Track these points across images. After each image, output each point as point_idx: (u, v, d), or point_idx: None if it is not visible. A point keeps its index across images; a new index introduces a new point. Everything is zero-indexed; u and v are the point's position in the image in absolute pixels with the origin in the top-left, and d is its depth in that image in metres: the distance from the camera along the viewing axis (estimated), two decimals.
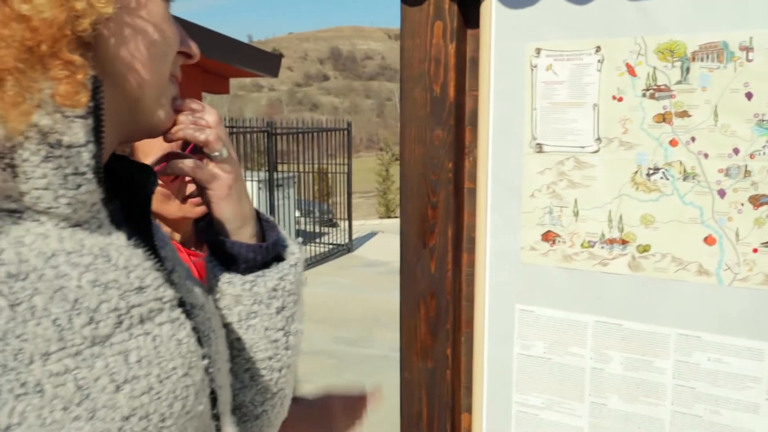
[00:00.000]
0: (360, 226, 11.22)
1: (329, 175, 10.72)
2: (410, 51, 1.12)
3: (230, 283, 0.76)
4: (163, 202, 1.34)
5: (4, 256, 0.52)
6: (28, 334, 0.51)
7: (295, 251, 0.81)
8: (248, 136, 8.26)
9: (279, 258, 0.80)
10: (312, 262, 8.57)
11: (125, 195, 0.65)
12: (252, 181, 8.57)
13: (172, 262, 0.68)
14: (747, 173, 0.91)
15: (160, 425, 0.57)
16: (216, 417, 0.68)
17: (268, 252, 0.78)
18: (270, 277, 0.77)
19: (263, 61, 9.79)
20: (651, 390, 1.01)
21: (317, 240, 9.24)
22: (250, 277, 0.76)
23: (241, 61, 9.24)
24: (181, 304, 0.64)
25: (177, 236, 1.42)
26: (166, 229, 1.37)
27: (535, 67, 1.04)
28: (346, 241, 9.49)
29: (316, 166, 10.27)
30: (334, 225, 9.92)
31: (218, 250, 0.77)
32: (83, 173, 0.56)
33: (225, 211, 0.75)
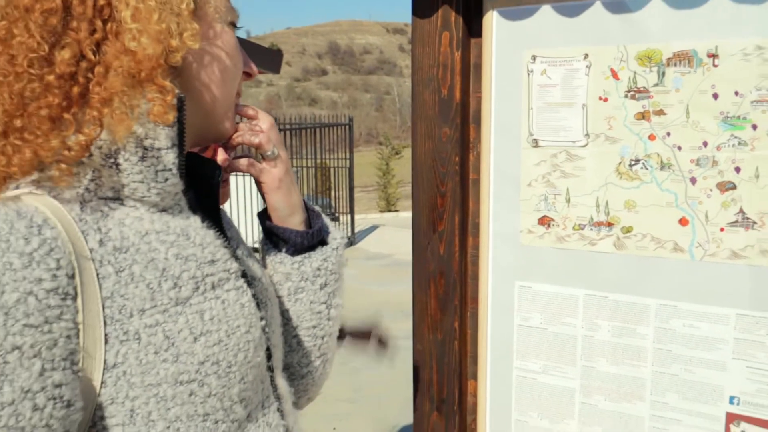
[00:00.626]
0: (361, 220, 11.35)
1: (331, 170, 10.85)
2: (420, 57, 1.26)
3: (281, 263, 0.91)
4: None
5: (111, 234, 0.67)
6: (128, 294, 0.66)
7: (337, 237, 0.96)
8: None
9: (323, 242, 0.95)
10: None
11: (197, 185, 0.79)
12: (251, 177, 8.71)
13: (236, 241, 0.83)
14: (714, 163, 1.05)
15: (227, 370, 0.72)
16: (270, 369, 0.83)
17: (313, 237, 0.92)
18: (315, 258, 0.92)
19: (265, 57, 9.90)
20: (634, 353, 1.15)
21: None
22: (298, 258, 0.91)
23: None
24: (243, 275, 0.78)
25: None
26: None
27: (531, 71, 1.18)
28: (349, 234, 9.64)
29: (317, 161, 10.39)
30: (336, 219, 10.06)
31: (272, 234, 0.92)
32: (169, 170, 0.71)
33: (276, 200, 0.89)
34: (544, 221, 1.21)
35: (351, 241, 9.66)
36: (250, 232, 7.04)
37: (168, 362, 0.67)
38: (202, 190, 0.80)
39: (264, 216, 0.93)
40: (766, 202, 1.03)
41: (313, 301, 0.93)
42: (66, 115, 0.65)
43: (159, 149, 0.70)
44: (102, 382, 0.64)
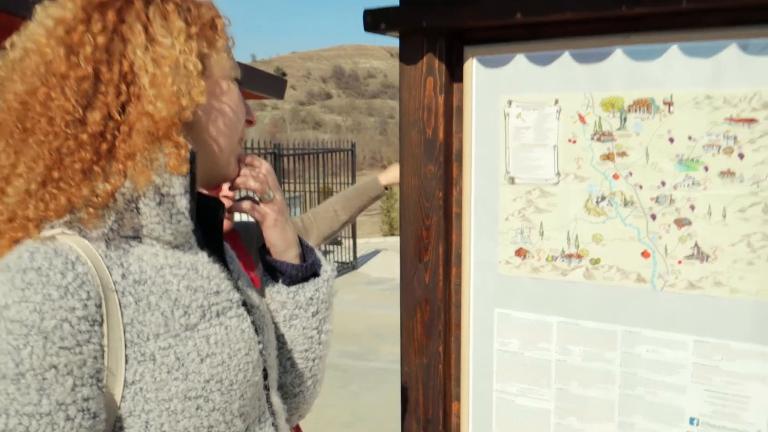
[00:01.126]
0: (364, 244, 11.45)
1: (334, 194, 10.99)
2: (407, 101, 1.37)
3: (278, 293, 1.01)
4: None
5: (131, 268, 0.78)
6: (146, 321, 0.77)
7: (328, 270, 1.06)
8: None
9: (315, 274, 1.05)
10: None
11: (203, 221, 0.90)
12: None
13: (237, 273, 0.94)
14: (672, 201, 1.15)
15: (229, 388, 0.82)
16: (266, 388, 0.93)
17: (307, 270, 1.03)
18: (308, 288, 1.02)
19: (270, 84, 10.10)
20: (603, 377, 1.24)
21: None
22: (293, 288, 1.02)
23: (249, 84, 9.56)
24: (244, 303, 0.89)
25: None
26: None
27: (508, 114, 1.28)
28: (351, 259, 9.73)
29: (320, 185, 10.52)
30: (338, 243, 10.15)
31: (270, 267, 1.02)
32: (182, 213, 0.83)
33: (273, 237, 1.00)
34: (520, 253, 1.30)
35: (353, 266, 9.74)
36: None
37: (179, 380, 0.78)
38: (207, 225, 0.90)
39: (263, 251, 1.03)
40: (718, 237, 1.12)
41: (305, 327, 1.03)
42: (96, 168, 0.76)
43: (174, 195, 0.81)
44: (122, 397, 0.75)
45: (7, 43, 0.80)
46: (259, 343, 0.90)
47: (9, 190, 0.76)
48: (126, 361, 0.75)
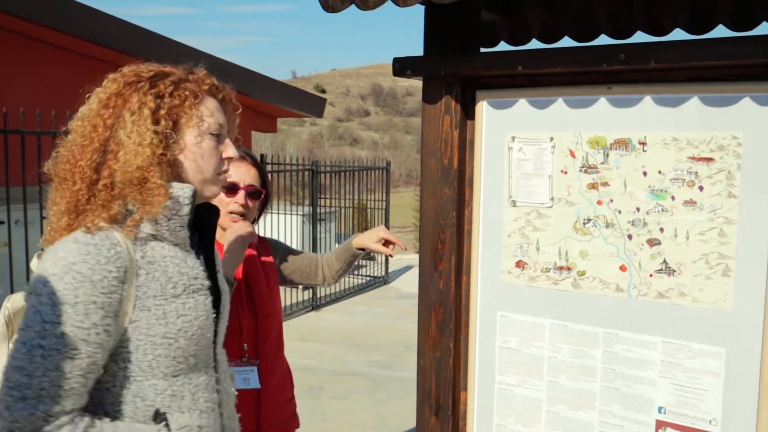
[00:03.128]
0: (396, 260, 11.69)
1: (368, 210, 11.27)
2: (428, 134, 1.63)
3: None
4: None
5: (146, 254, 1.18)
6: (149, 286, 1.17)
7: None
8: (293, 173, 8.91)
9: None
10: (350, 293, 9.07)
11: (200, 226, 1.31)
12: (296, 215, 9.19)
13: (218, 266, 1.35)
14: (645, 224, 1.38)
15: (191, 336, 1.21)
16: (214, 343, 1.32)
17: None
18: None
19: (309, 102, 10.50)
20: (587, 371, 1.46)
21: (356, 272, 9.74)
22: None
23: (289, 103, 9.96)
24: (211, 288, 1.28)
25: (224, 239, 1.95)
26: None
27: (511, 148, 1.53)
28: (383, 273, 9.97)
29: (355, 201, 10.82)
30: (372, 258, 10.41)
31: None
32: (185, 223, 1.22)
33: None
34: (519, 264, 1.54)
35: (384, 280, 9.97)
36: None
37: (161, 326, 1.18)
38: (206, 228, 1.34)
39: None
40: (682, 255, 1.34)
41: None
42: (118, 203, 1.18)
43: (180, 213, 1.23)
44: (125, 329, 1.15)
45: (64, 130, 1.25)
46: (214, 314, 1.29)
47: (55, 208, 1.21)
48: (133, 308, 1.15)
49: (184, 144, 1.24)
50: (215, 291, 1.31)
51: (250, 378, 1.89)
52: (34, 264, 1.24)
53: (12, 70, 6.07)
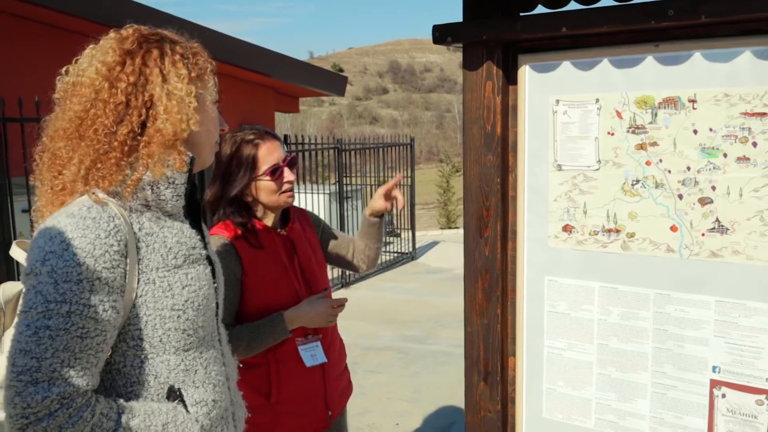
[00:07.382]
0: (422, 236, 11.68)
1: None
2: (470, 101, 1.62)
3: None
4: (270, 195, 1.89)
5: (144, 225, 1.16)
6: (151, 259, 1.16)
7: None
8: (316, 152, 8.92)
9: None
10: (379, 269, 9.11)
11: (191, 200, 1.30)
12: (323, 193, 9.22)
13: (208, 238, 1.34)
14: (696, 183, 1.36)
15: (197, 307, 1.21)
16: (217, 315, 1.32)
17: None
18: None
19: (331, 81, 10.45)
20: (638, 333, 1.46)
21: (383, 249, 9.77)
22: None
23: (311, 82, 9.92)
24: (207, 257, 1.28)
25: (270, 220, 1.96)
26: (269, 213, 1.95)
27: (556, 112, 1.52)
28: (410, 249, 9.99)
29: (379, 179, 10.82)
30: (396, 235, 10.42)
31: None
32: (180, 195, 1.21)
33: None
34: (566, 228, 1.53)
35: (412, 256, 9.99)
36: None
37: (168, 298, 1.17)
38: (192, 201, 1.31)
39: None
40: (735, 213, 1.33)
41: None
42: (123, 163, 1.14)
43: (177, 184, 1.20)
44: (133, 305, 1.13)
45: (63, 70, 1.20)
46: (215, 284, 1.29)
47: (65, 172, 1.15)
48: (137, 282, 1.13)
49: (204, 109, 1.23)
50: (210, 261, 1.30)
51: (316, 354, 1.92)
52: (14, 252, 1.21)
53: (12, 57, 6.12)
